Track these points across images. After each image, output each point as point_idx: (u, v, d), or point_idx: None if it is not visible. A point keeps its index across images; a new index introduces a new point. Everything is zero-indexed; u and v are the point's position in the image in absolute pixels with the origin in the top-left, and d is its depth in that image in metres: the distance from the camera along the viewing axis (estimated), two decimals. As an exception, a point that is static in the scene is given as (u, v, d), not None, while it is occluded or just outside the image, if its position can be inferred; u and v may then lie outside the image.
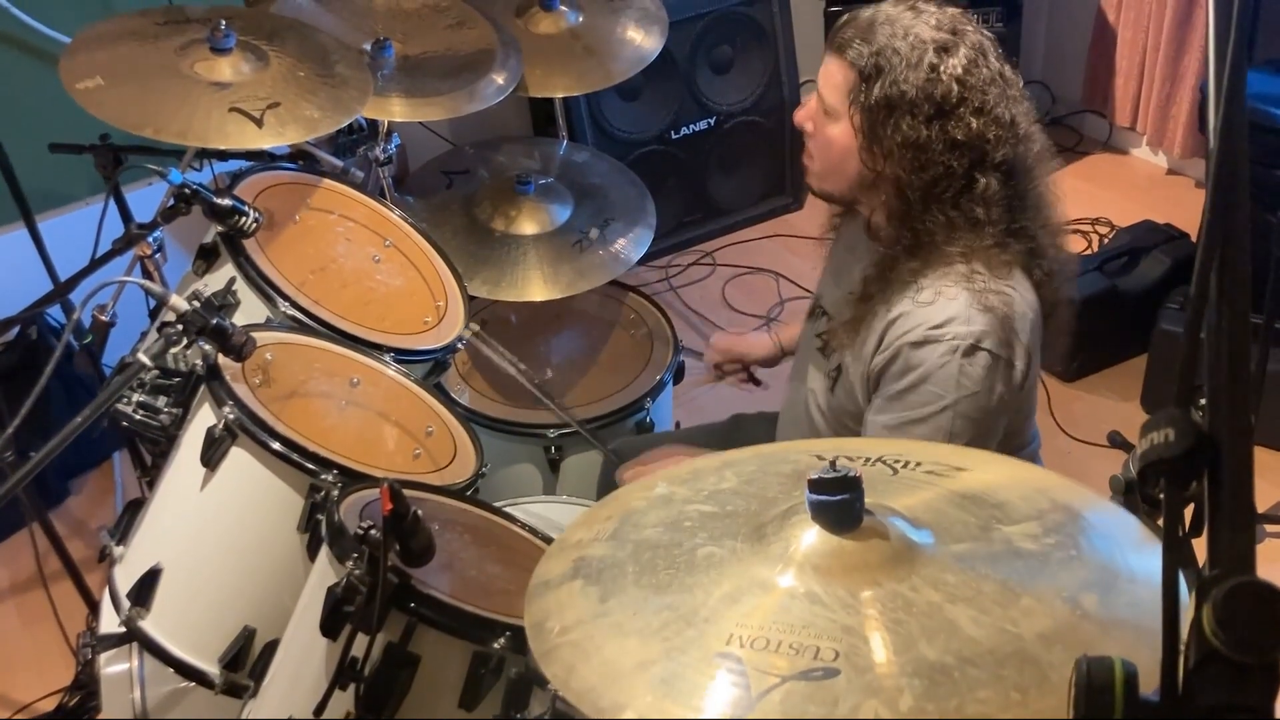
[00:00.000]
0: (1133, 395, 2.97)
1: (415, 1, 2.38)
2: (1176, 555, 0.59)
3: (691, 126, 3.60)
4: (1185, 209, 3.45)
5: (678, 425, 2.54)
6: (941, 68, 1.51)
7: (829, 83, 1.59)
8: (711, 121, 3.62)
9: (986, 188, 1.53)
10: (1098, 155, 4.00)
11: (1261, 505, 2.59)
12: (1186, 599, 0.61)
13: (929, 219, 1.55)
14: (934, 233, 1.55)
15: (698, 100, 3.59)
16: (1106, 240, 3.40)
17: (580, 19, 2.55)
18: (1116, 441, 2.81)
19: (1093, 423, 2.88)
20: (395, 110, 2.16)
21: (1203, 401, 0.61)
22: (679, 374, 2.40)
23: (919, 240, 1.57)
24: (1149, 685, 0.62)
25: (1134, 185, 3.84)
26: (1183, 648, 0.58)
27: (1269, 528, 2.55)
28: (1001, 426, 1.60)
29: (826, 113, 1.60)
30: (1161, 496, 0.60)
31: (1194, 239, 2.88)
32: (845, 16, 1.60)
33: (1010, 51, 3.63)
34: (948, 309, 1.54)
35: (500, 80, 2.27)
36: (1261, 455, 2.70)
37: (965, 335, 1.52)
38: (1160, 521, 0.63)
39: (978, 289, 1.53)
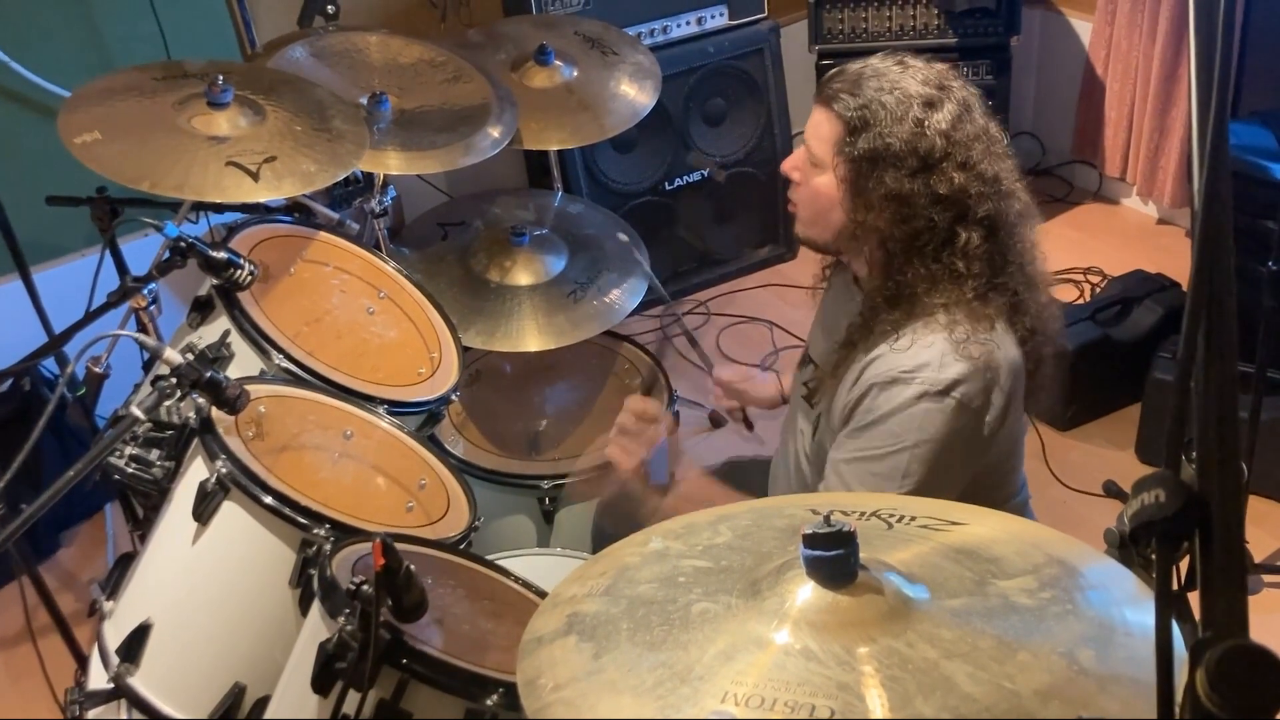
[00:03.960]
0: (1127, 444, 2.97)
1: (412, 56, 2.41)
2: (1168, 619, 0.59)
3: (685, 178, 3.63)
4: (1176, 258, 3.47)
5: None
6: (927, 122, 1.53)
7: (816, 133, 1.61)
8: (705, 173, 3.65)
9: (968, 242, 1.54)
10: (1088, 205, 4.03)
11: (1259, 555, 2.57)
12: (1184, 653, 0.61)
13: (910, 270, 1.56)
14: (914, 285, 1.56)
15: (691, 152, 3.62)
16: (1098, 290, 3.41)
17: (575, 74, 2.58)
18: (1112, 491, 2.82)
19: (1087, 472, 2.87)
20: (391, 163, 2.18)
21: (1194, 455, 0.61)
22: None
23: (900, 292, 1.58)
24: (1146, 744, 0.61)
25: (1125, 235, 3.86)
26: (1178, 710, 0.58)
27: (1267, 578, 2.53)
28: (964, 477, 1.59)
29: (813, 163, 1.62)
30: (1154, 557, 0.60)
31: (1185, 288, 2.89)
32: (835, 69, 1.63)
33: (1000, 103, 3.65)
34: (922, 355, 1.54)
35: (496, 134, 2.29)
36: (1258, 505, 2.69)
37: (937, 382, 1.52)
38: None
39: (957, 339, 1.53)
